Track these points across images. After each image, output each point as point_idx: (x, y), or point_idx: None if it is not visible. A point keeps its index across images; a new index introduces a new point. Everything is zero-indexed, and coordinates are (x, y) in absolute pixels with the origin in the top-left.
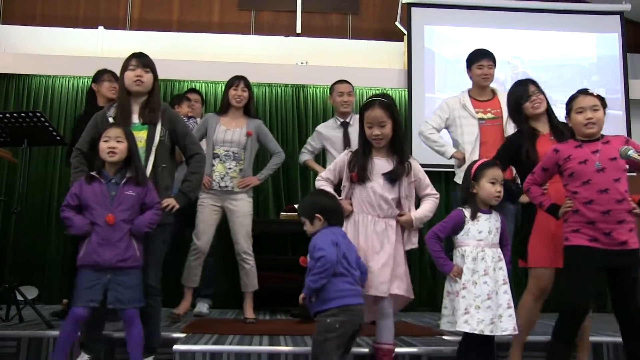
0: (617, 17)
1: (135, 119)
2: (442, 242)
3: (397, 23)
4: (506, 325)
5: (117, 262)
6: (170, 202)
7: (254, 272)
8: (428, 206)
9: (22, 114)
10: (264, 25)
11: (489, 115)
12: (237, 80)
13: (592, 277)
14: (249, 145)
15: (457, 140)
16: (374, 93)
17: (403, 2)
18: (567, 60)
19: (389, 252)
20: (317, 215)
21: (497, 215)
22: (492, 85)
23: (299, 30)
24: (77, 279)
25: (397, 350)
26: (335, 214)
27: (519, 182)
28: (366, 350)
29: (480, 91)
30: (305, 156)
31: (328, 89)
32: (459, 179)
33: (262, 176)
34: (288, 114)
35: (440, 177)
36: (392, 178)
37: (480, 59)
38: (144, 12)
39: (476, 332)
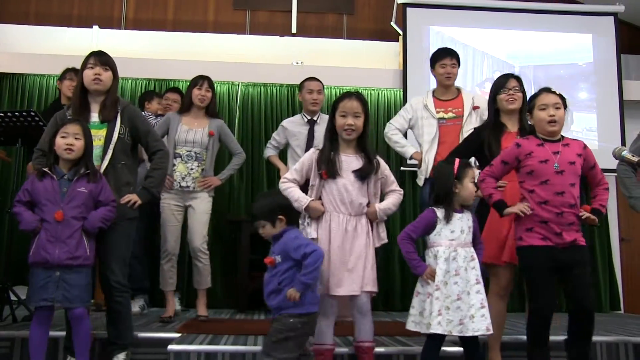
0: (611, 18)
1: (95, 117)
2: (414, 243)
3: (392, 23)
4: (478, 325)
5: (66, 260)
6: (132, 197)
7: (207, 270)
8: (392, 200)
9: (16, 113)
10: (259, 25)
11: (450, 114)
12: (201, 80)
13: (549, 276)
14: (210, 146)
15: (417, 140)
16: (370, 93)
17: (398, 2)
18: (564, 61)
19: (362, 250)
20: (280, 216)
21: (468, 214)
22: (487, 85)
23: (294, 30)
24: (29, 277)
25: (392, 349)
26: (294, 213)
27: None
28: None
29: (444, 90)
30: (269, 151)
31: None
32: (420, 180)
33: (223, 176)
34: (283, 114)
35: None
36: (362, 175)
37: (443, 58)
38: (138, 11)
39: (445, 333)
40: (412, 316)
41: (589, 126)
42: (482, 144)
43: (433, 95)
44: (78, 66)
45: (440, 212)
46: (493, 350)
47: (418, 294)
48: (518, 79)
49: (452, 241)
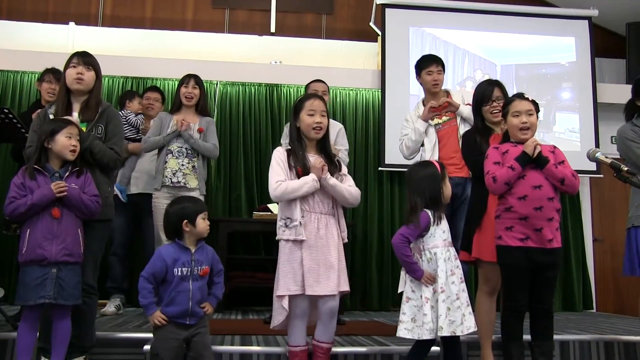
0: (586, 22)
1: (75, 116)
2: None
3: (371, 24)
4: (469, 322)
5: (63, 257)
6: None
7: None
8: (347, 185)
9: None
10: (238, 23)
11: (445, 118)
12: (188, 78)
13: (525, 276)
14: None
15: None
16: (348, 93)
17: (377, 2)
18: (546, 60)
19: (336, 250)
20: None
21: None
22: (468, 84)
23: (273, 29)
24: (20, 275)
25: (369, 349)
26: None
27: None
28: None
29: (433, 97)
30: None
31: (302, 89)
32: None
33: (193, 139)
34: (262, 114)
35: None
36: (330, 173)
37: (429, 65)
38: (116, 8)
39: (448, 334)
40: (404, 323)
41: (572, 127)
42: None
43: (424, 105)
44: (54, 63)
45: (431, 214)
46: (485, 349)
47: (409, 300)
48: (501, 86)
49: (444, 241)
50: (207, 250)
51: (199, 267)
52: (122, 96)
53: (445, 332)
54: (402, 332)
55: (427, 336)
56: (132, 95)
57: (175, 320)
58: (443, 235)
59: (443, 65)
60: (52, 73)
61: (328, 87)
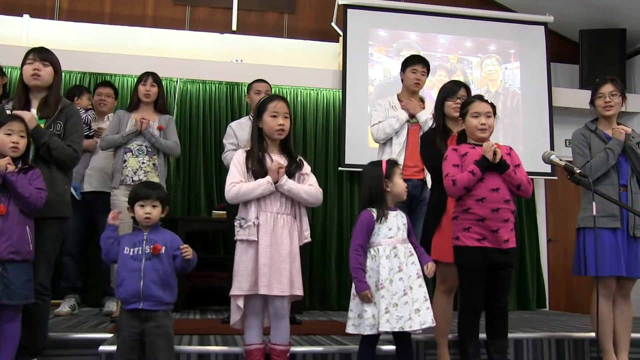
0: (542, 27)
1: (34, 113)
2: (365, 253)
3: (333, 24)
4: (424, 318)
5: (8, 255)
6: (27, 114)
7: None
8: (306, 186)
9: None
10: (199, 21)
11: (414, 119)
12: (146, 75)
13: (481, 276)
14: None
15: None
16: (309, 93)
17: (339, 3)
18: (507, 61)
19: (290, 250)
20: (167, 207)
21: (401, 212)
22: (435, 80)
23: (234, 27)
24: None
25: (328, 349)
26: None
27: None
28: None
29: (410, 96)
30: (232, 153)
31: None
32: None
33: (153, 136)
34: (222, 112)
35: None
36: (291, 173)
37: (415, 64)
38: (73, 2)
39: (396, 329)
40: (351, 319)
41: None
42: (434, 147)
43: (399, 100)
44: (6, 56)
45: (375, 212)
46: (441, 348)
47: (355, 297)
48: (467, 88)
49: (390, 239)
50: (163, 233)
51: (151, 246)
52: (70, 92)
53: (386, 328)
54: (349, 329)
55: (368, 331)
56: (80, 91)
57: (128, 306)
58: (389, 233)
59: (428, 69)
60: None
61: (270, 87)
